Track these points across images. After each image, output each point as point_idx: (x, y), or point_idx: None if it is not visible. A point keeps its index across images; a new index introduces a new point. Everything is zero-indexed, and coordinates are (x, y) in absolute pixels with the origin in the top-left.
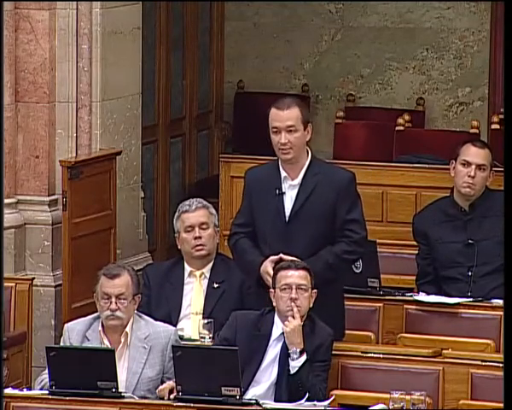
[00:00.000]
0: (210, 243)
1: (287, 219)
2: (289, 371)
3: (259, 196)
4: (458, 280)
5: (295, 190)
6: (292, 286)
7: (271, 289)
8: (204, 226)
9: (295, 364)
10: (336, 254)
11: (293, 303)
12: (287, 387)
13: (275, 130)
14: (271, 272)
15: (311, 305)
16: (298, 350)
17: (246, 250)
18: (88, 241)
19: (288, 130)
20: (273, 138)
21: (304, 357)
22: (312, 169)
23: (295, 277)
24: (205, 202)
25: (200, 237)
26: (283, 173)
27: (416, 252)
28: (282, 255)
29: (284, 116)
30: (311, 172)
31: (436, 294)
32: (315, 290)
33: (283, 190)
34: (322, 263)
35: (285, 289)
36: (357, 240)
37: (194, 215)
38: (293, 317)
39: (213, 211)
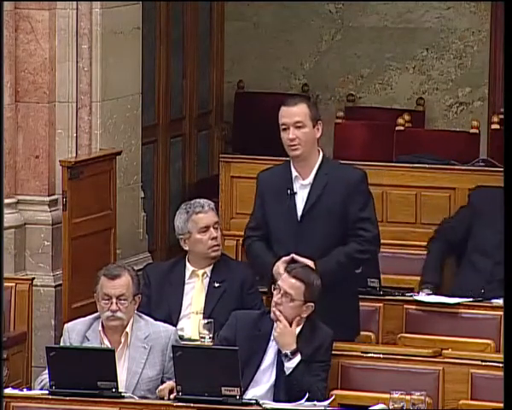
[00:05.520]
0: (221, 243)
1: (298, 218)
2: (285, 372)
3: (272, 196)
4: (479, 272)
5: (306, 190)
6: (280, 290)
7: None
8: (216, 226)
9: (289, 365)
10: (348, 253)
11: (275, 306)
12: (285, 388)
13: (283, 127)
14: (283, 273)
15: (304, 315)
16: (289, 352)
17: (259, 253)
18: (88, 241)
19: (295, 126)
20: (282, 136)
21: (298, 357)
22: (323, 169)
23: (286, 283)
24: (212, 203)
25: (216, 237)
26: (294, 173)
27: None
28: (293, 256)
29: (292, 112)
30: (322, 171)
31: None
32: (311, 304)
33: (295, 190)
34: (334, 263)
35: (276, 289)
36: (369, 239)
37: (207, 216)
38: (279, 320)
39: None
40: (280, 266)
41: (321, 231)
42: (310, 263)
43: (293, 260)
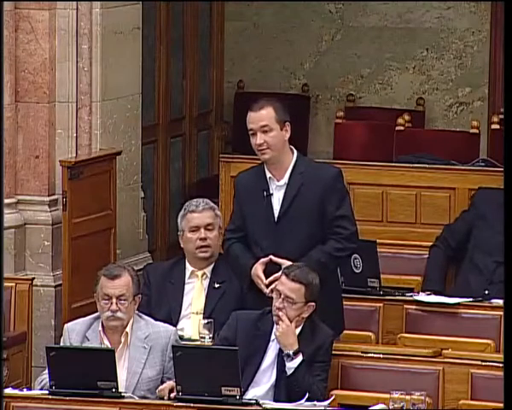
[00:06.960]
0: (214, 245)
1: (275, 219)
2: (286, 372)
3: (249, 199)
4: (481, 272)
5: (282, 191)
6: (280, 294)
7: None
8: (209, 228)
9: (291, 365)
10: (327, 252)
11: (277, 311)
12: (285, 389)
13: (251, 132)
14: (261, 275)
15: (305, 315)
16: (291, 352)
17: (238, 255)
18: (88, 241)
19: (262, 130)
20: (251, 141)
21: (299, 358)
22: (298, 168)
23: (286, 287)
24: (211, 204)
25: (205, 239)
26: (268, 175)
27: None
28: (271, 257)
29: (257, 117)
30: (296, 171)
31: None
32: (313, 303)
33: (271, 192)
34: (313, 263)
35: (276, 293)
36: (347, 236)
37: (200, 216)
38: (282, 320)
39: (219, 213)
40: (258, 268)
41: (298, 231)
42: (288, 264)
43: (271, 262)
